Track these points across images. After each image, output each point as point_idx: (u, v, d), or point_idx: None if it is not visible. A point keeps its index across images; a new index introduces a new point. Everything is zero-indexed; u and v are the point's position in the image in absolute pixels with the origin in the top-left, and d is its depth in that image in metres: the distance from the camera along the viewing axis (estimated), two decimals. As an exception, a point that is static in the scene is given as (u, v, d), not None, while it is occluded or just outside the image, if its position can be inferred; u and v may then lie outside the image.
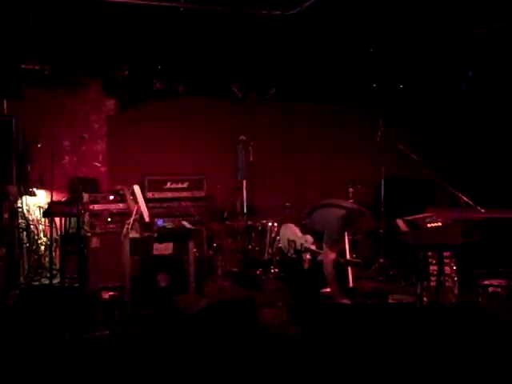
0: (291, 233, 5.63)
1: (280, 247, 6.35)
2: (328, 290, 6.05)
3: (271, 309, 5.42)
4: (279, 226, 6.09)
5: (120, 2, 4.96)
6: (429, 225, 4.67)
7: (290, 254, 5.70)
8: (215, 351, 4.25)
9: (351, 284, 6.29)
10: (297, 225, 5.86)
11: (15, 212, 6.44)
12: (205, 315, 5.16)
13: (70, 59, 6.80)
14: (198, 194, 6.85)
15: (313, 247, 5.46)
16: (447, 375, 3.84)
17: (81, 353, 4.19)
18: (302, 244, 5.48)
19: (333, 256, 5.32)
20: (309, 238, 5.52)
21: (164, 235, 5.41)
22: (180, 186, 6.81)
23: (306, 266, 5.67)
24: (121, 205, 6.16)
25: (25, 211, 6.84)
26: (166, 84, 7.20)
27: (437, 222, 4.67)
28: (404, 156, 6.50)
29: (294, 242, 5.54)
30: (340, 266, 5.55)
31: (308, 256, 5.52)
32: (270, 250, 6.88)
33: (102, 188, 7.21)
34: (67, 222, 6.01)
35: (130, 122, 7.62)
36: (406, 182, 7.46)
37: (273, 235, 6.95)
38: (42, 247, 7.01)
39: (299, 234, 5.59)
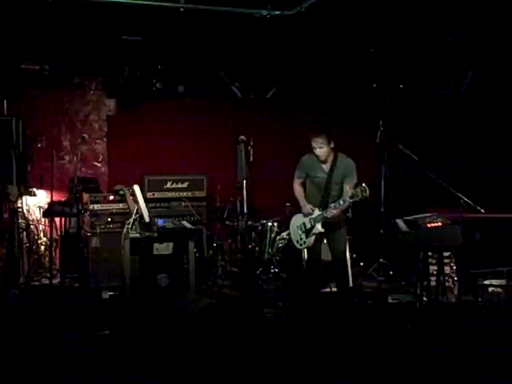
0: (299, 219, 5.52)
1: (289, 240, 6.26)
2: (328, 289, 6.06)
3: (271, 309, 5.42)
4: (289, 220, 5.94)
5: (120, 2, 4.96)
6: (429, 225, 4.67)
7: (299, 242, 5.54)
8: (215, 351, 4.25)
9: (351, 284, 6.31)
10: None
11: (15, 212, 6.44)
12: (205, 315, 5.17)
13: (70, 59, 6.81)
14: (198, 193, 6.85)
15: (320, 212, 5.31)
16: (447, 375, 3.84)
17: (81, 353, 4.19)
18: (310, 220, 5.37)
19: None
20: (313, 208, 5.37)
21: (164, 235, 5.41)
22: (180, 185, 6.80)
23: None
24: (121, 205, 6.16)
25: (25, 211, 6.83)
26: (165, 84, 7.20)
27: (437, 222, 4.68)
28: (404, 156, 6.51)
29: (303, 224, 5.44)
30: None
31: (319, 227, 5.35)
32: (270, 250, 6.89)
33: (102, 188, 7.22)
34: (67, 222, 6.01)
35: (130, 122, 7.62)
36: (406, 181, 7.46)
37: (273, 235, 6.96)
38: (42, 247, 7.01)
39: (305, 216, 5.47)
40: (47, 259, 6.56)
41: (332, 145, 5.24)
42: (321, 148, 5.21)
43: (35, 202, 7.05)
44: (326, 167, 5.31)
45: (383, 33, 6.05)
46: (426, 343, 4.36)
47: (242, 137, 5.45)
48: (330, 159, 5.30)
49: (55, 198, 6.10)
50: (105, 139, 7.63)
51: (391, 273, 6.64)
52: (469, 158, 7.68)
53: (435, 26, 5.82)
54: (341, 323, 4.97)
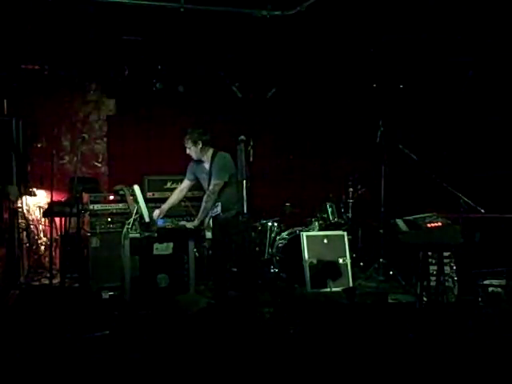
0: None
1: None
2: (328, 289, 6.06)
3: (271, 308, 5.42)
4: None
5: (120, 2, 4.97)
6: (429, 225, 4.67)
7: None
8: (215, 351, 4.25)
9: (351, 284, 6.31)
10: None
11: (15, 212, 6.44)
12: (205, 315, 5.17)
13: (70, 59, 6.80)
14: (197, 193, 6.82)
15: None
16: (447, 375, 3.84)
17: (81, 353, 4.19)
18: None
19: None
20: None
21: (164, 235, 5.41)
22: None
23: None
24: (121, 205, 6.16)
25: (25, 211, 6.84)
26: (165, 84, 7.20)
27: (437, 222, 4.68)
28: (404, 156, 6.51)
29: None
30: None
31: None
32: (269, 250, 6.89)
33: (102, 188, 7.22)
34: (67, 222, 6.00)
35: (130, 122, 7.62)
36: (406, 182, 7.46)
37: (273, 235, 6.95)
38: (42, 247, 7.02)
39: None
40: (47, 259, 6.57)
41: (200, 145, 5.40)
42: (188, 149, 5.43)
43: (35, 202, 7.06)
44: (207, 166, 5.48)
45: (383, 33, 6.05)
46: (426, 343, 4.36)
47: (242, 137, 5.46)
48: (207, 158, 5.46)
49: (55, 198, 6.09)
50: (105, 139, 7.62)
51: (391, 273, 6.64)
52: (469, 158, 7.68)
53: (435, 26, 5.82)
54: (340, 323, 4.97)
